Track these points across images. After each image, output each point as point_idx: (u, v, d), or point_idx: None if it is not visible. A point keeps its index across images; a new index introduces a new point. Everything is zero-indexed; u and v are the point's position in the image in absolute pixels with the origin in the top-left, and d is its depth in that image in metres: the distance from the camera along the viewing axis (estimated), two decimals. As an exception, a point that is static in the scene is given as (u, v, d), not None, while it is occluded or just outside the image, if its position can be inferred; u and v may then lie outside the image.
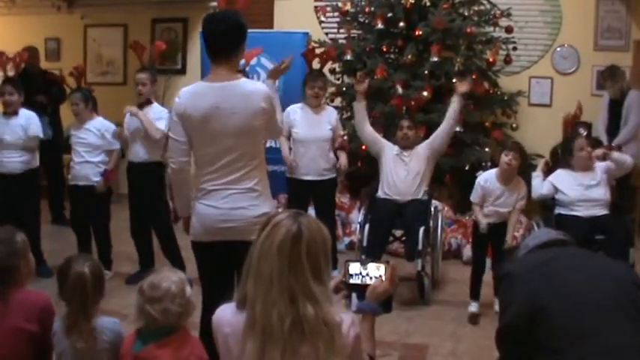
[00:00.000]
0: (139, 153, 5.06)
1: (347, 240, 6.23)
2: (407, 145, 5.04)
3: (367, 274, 2.06)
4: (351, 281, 2.06)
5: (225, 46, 2.92)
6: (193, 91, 2.97)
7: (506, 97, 6.89)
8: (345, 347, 1.76)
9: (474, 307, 4.60)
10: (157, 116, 5.00)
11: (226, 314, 1.85)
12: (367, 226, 4.87)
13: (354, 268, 2.07)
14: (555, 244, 2.34)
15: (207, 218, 2.97)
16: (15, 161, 5.12)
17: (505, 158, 4.49)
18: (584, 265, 2.23)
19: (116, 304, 3.99)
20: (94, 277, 2.39)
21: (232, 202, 2.91)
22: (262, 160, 3.02)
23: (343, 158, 5.25)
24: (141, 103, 5.06)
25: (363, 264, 2.08)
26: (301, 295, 1.73)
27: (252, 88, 2.94)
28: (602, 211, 4.57)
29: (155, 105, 5.13)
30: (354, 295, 2.08)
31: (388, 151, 5.08)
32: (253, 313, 1.75)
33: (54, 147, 6.45)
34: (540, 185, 4.71)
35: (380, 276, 2.05)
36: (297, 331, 1.71)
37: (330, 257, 1.85)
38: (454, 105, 4.93)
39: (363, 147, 5.64)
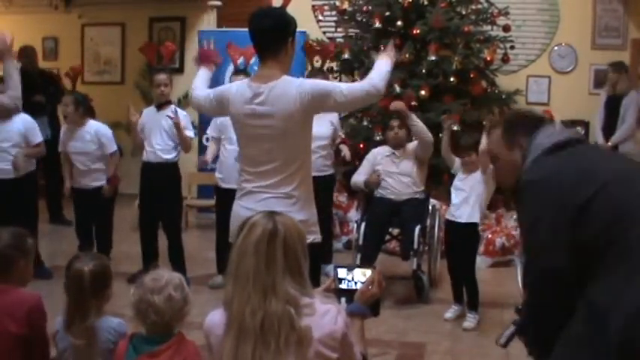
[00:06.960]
0: (156, 153, 4.96)
1: (345, 239, 6.24)
2: (398, 144, 5.02)
3: (355, 279, 2.08)
4: (340, 286, 2.09)
5: (269, 43, 2.81)
6: (237, 90, 2.89)
7: (503, 96, 6.90)
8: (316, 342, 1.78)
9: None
10: (184, 123, 4.89)
11: (216, 318, 1.89)
12: (363, 225, 4.88)
13: (342, 273, 2.10)
14: (577, 143, 1.96)
15: (242, 220, 2.88)
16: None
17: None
18: (619, 159, 2.02)
19: (116, 304, 3.94)
20: (93, 276, 2.35)
21: (267, 206, 2.76)
22: (304, 165, 2.87)
23: (346, 150, 5.36)
24: (161, 104, 5.02)
25: (350, 269, 2.10)
26: (274, 292, 1.78)
27: (287, 88, 2.77)
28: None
29: (174, 106, 5.05)
30: (343, 300, 2.10)
31: (379, 156, 5.07)
32: (230, 312, 1.81)
33: (52, 146, 6.44)
34: None
35: (370, 280, 2.06)
36: (267, 327, 1.76)
37: (307, 251, 1.89)
38: (417, 127, 4.83)
39: (361, 145, 5.63)
